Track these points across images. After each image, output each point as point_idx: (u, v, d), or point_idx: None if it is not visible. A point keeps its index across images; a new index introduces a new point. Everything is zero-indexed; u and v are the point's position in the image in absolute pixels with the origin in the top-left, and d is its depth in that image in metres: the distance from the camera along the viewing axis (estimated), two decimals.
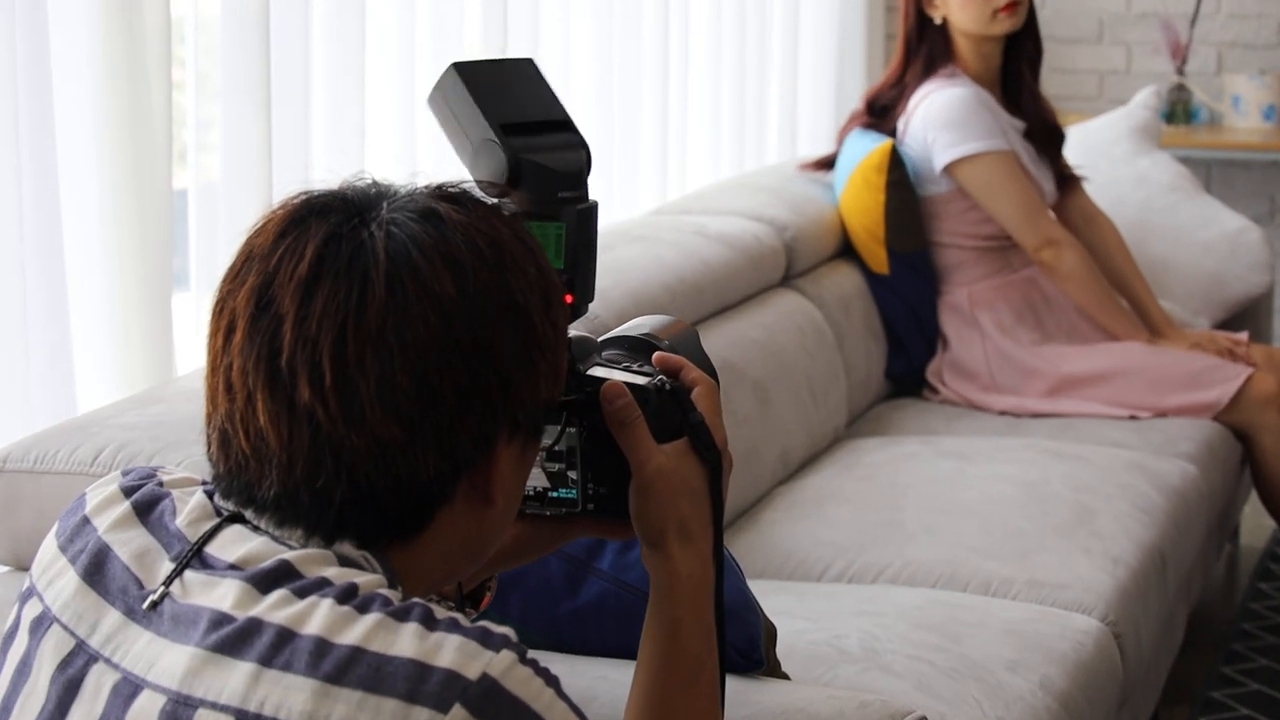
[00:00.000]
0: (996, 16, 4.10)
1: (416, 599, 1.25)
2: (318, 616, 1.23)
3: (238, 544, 1.30)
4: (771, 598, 2.58)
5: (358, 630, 1.22)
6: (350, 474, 1.27)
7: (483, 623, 1.25)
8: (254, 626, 1.24)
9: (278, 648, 1.23)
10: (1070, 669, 2.69)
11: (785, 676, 2.03)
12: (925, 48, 4.18)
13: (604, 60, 4.22)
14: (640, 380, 1.48)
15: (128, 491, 1.39)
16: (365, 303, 1.26)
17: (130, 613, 1.31)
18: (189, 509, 1.34)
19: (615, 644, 1.93)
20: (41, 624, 1.34)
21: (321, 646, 1.22)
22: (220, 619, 1.25)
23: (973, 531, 3.17)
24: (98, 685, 1.29)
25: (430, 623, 1.23)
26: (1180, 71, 5.97)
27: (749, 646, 1.94)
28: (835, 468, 3.57)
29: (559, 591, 1.92)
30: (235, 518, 1.32)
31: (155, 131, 2.66)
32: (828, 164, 4.33)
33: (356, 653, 1.21)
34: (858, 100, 5.46)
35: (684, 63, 4.66)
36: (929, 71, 4.17)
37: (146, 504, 1.37)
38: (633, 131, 4.38)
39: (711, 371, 1.55)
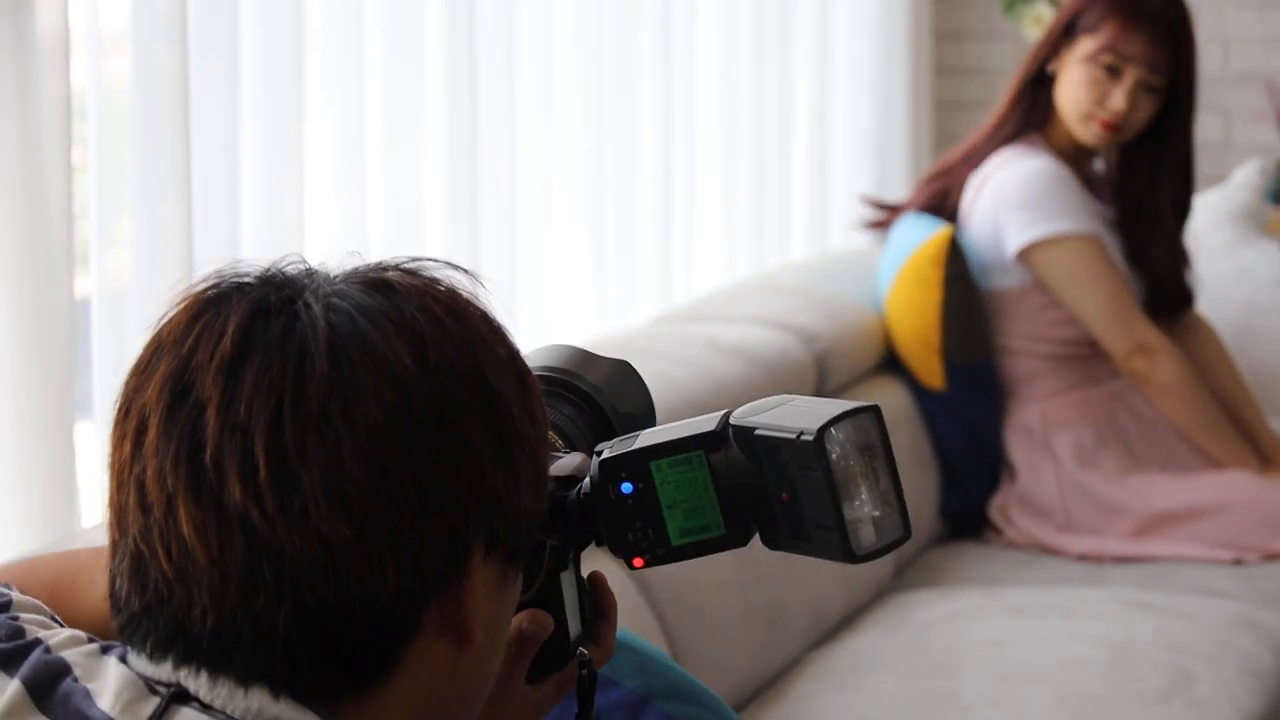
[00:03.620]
0: (1090, 121, 4.10)
1: None
2: None
3: None
4: None
5: None
6: (295, 590, 1.24)
7: None
8: None
9: None
10: None
11: None
12: (1026, 105, 4.19)
13: (596, 135, 4.23)
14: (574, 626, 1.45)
15: (4, 661, 1.34)
16: (304, 379, 1.25)
17: None
18: (114, 687, 1.30)
19: None
20: None
21: None
22: None
23: (1045, 703, 3.17)
24: None
25: None
26: None
27: None
28: (878, 629, 3.57)
29: None
30: (180, 695, 1.27)
31: (52, 225, 2.66)
32: (887, 219, 4.35)
33: None
34: (903, 181, 5.51)
35: (691, 137, 4.67)
36: (1012, 137, 4.18)
37: (44, 683, 1.32)
38: (630, 221, 4.39)
39: (650, 410, 1.52)
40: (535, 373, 1.41)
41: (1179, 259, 4.28)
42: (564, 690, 1.45)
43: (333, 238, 3.39)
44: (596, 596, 1.46)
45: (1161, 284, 4.26)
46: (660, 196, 4.48)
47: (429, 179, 3.61)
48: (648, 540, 1.41)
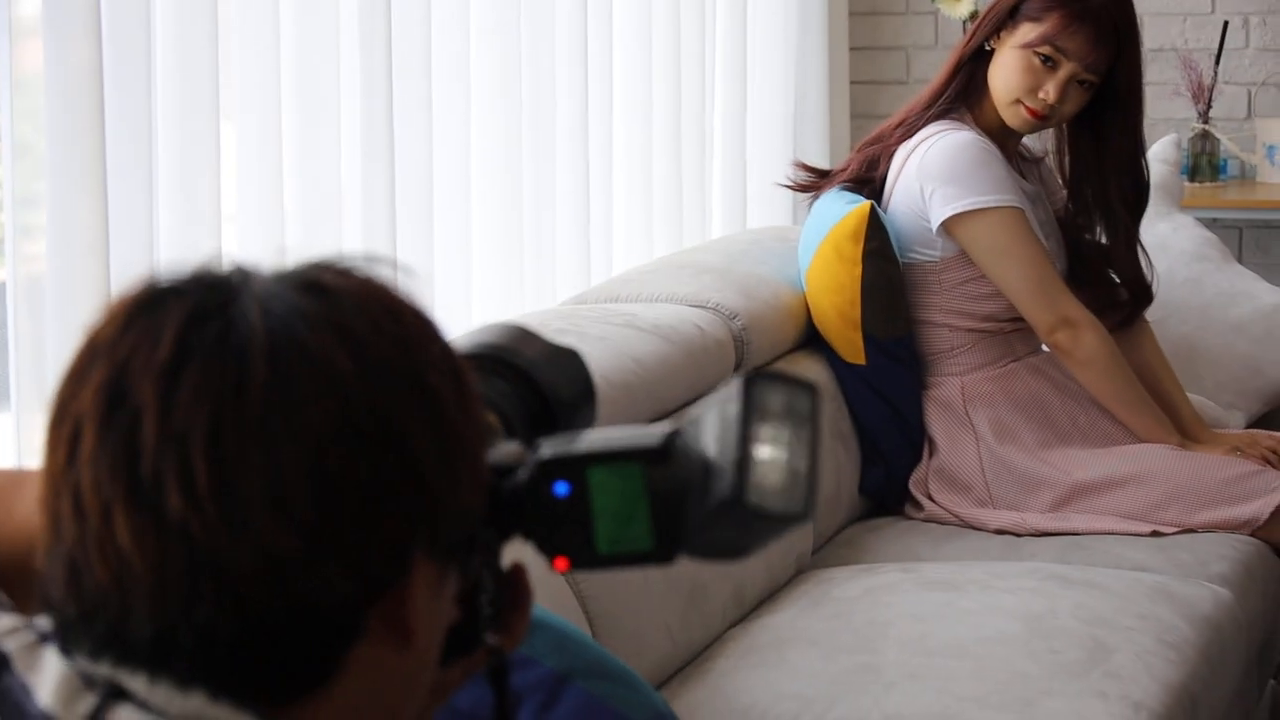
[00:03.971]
0: (1018, 106, 4.12)
1: None
2: None
3: None
4: None
5: None
6: (237, 601, 1.23)
7: None
8: None
9: None
10: None
11: None
12: (962, 80, 4.20)
13: (511, 114, 4.24)
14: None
15: None
16: (244, 386, 1.22)
17: None
18: (53, 681, 1.28)
19: None
20: None
21: None
22: None
23: (965, 677, 3.19)
24: None
25: None
26: (1204, 118, 6.03)
27: None
28: (799, 604, 3.59)
29: None
30: (117, 692, 1.26)
31: None
32: (816, 183, 4.37)
33: None
34: (821, 158, 5.52)
35: (607, 117, 4.68)
36: (944, 111, 4.19)
37: None
38: (547, 200, 4.39)
39: (590, 394, 1.53)
40: (473, 350, 1.41)
41: (1134, 253, 4.30)
42: (468, 675, 1.44)
43: (249, 227, 3.39)
44: (514, 587, 1.45)
45: (1123, 278, 4.29)
46: (578, 178, 4.48)
47: (346, 165, 3.61)
48: (574, 544, 1.39)
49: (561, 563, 1.40)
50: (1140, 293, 4.33)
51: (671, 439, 1.36)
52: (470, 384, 1.33)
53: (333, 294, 1.28)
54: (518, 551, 1.43)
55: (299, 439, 1.23)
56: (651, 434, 1.38)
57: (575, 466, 1.38)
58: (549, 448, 1.39)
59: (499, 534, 1.39)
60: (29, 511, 1.53)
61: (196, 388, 1.23)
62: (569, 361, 1.53)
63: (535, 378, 1.49)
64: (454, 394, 1.30)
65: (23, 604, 1.47)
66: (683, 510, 1.37)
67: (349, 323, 1.27)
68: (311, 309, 1.26)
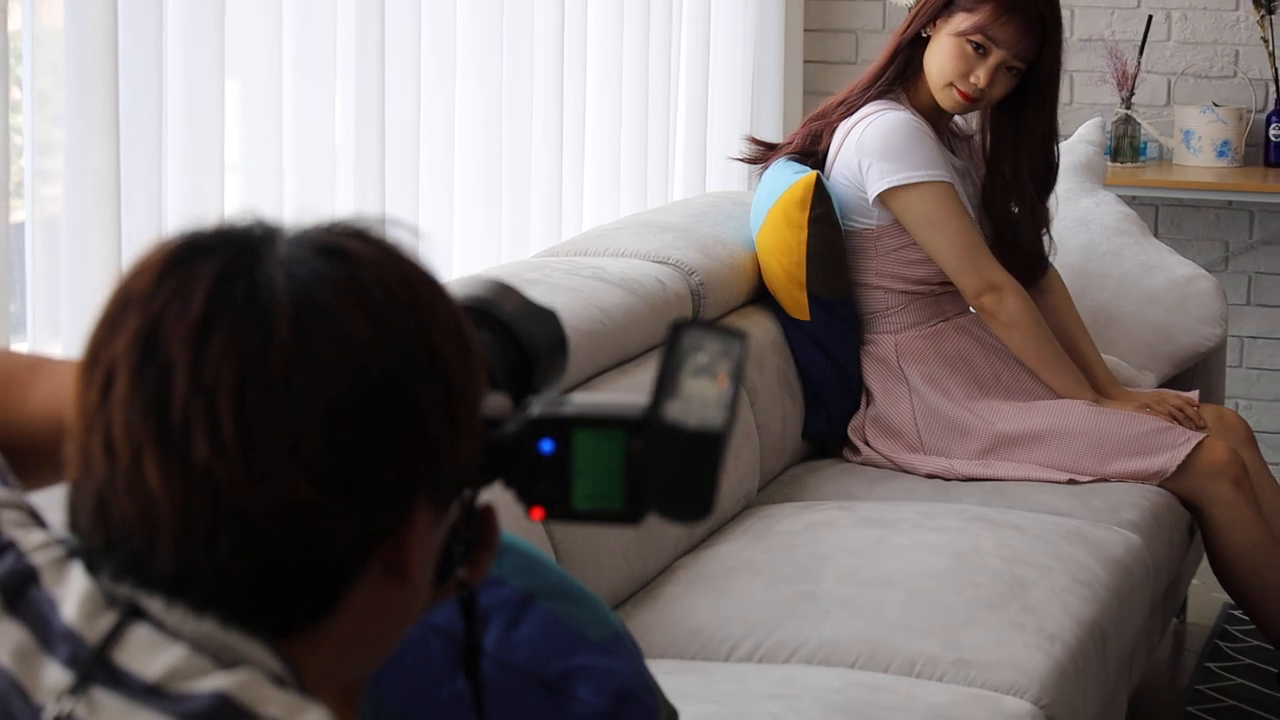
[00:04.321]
0: (951, 89, 4.12)
1: None
2: None
3: (151, 653, 1.25)
4: (674, 679, 2.58)
5: None
6: (254, 541, 1.24)
7: None
8: None
9: None
10: None
11: None
12: (899, 63, 4.20)
13: (492, 82, 4.23)
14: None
15: None
16: (269, 346, 1.23)
17: None
18: (78, 597, 1.28)
19: None
20: None
21: None
22: None
23: (895, 606, 3.20)
24: None
25: None
26: (1127, 103, 6.04)
27: None
28: (745, 537, 3.59)
29: (438, 674, 1.92)
30: (135, 611, 1.26)
31: None
32: (764, 155, 4.36)
33: None
34: (774, 129, 5.52)
35: (581, 87, 4.67)
36: (883, 91, 4.19)
37: (15, 587, 1.30)
38: (524, 161, 4.38)
39: (563, 347, 1.52)
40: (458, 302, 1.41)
41: (1038, 226, 4.31)
42: (438, 600, 1.44)
43: (250, 176, 3.38)
44: (484, 527, 1.45)
45: (1021, 248, 4.30)
46: (552, 141, 4.48)
47: (340, 121, 3.60)
48: (552, 496, 1.39)
49: (538, 512, 1.40)
50: (1036, 261, 4.34)
51: (653, 412, 1.37)
52: (472, 346, 1.34)
53: (352, 259, 1.28)
54: (489, 493, 1.43)
55: (318, 397, 1.24)
56: (635, 406, 1.38)
57: (562, 427, 1.38)
58: (538, 406, 1.40)
59: (481, 479, 1.39)
60: (44, 396, 1.56)
61: (225, 346, 1.23)
62: (546, 318, 1.52)
63: (515, 330, 1.49)
64: (459, 357, 1.31)
65: (38, 480, 1.49)
66: (654, 478, 1.37)
67: (367, 290, 1.27)
68: (332, 275, 1.27)
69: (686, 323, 1.42)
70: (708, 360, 1.40)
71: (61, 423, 1.48)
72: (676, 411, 1.36)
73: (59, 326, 2.93)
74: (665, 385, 1.37)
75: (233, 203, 3.26)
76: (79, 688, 1.25)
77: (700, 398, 1.37)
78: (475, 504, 1.41)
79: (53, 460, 1.52)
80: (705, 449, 1.35)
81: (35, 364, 1.60)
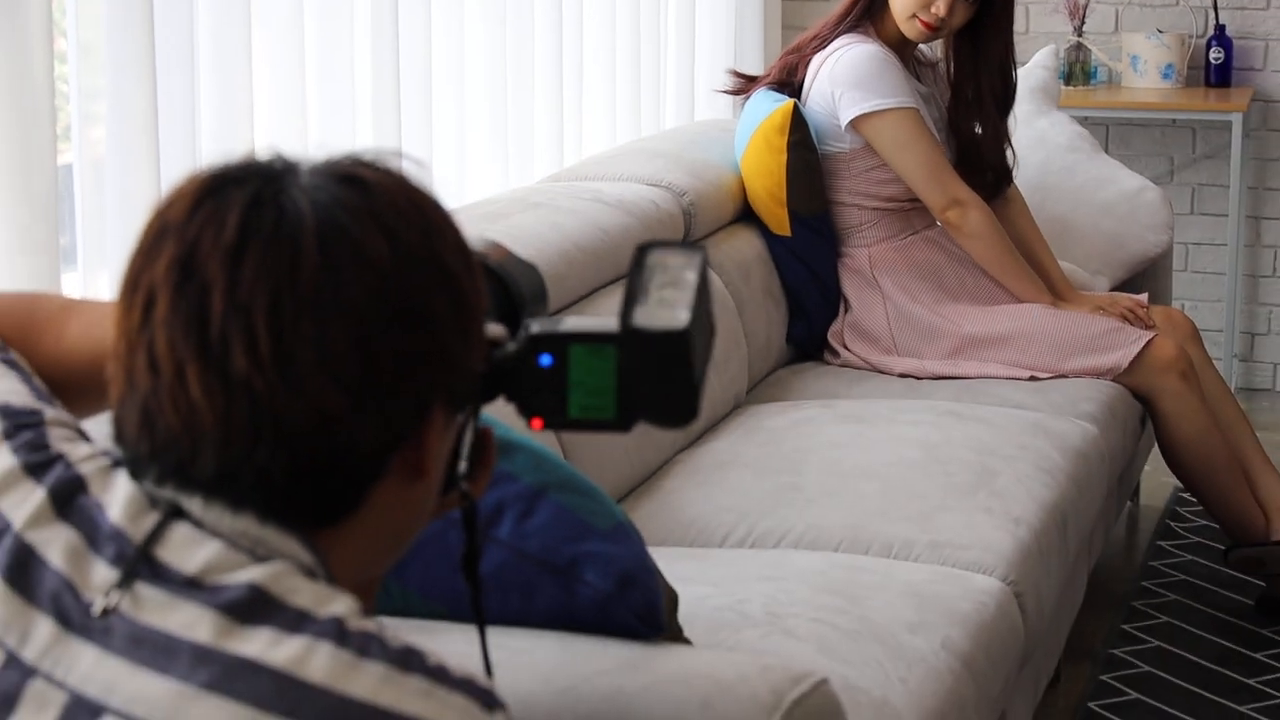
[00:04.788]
0: (914, 20, 4.11)
1: (411, 644, 1.23)
2: (319, 663, 1.21)
3: (190, 549, 1.26)
4: (673, 564, 2.59)
5: (365, 683, 1.20)
6: (290, 446, 1.25)
7: (469, 674, 1.24)
8: (248, 667, 1.21)
9: (282, 694, 1.20)
10: (972, 629, 2.73)
11: (687, 642, 2.05)
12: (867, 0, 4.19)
13: (498, 26, 4.22)
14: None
15: (32, 470, 1.33)
16: (298, 266, 1.24)
17: (66, 623, 1.25)
18: (123, 501, 1.29)
19: (514, 614, 1.94)
20: None
21: (330, 698, 1.20)
22: (204, 653, 1.21)
23: (873, 494, 3.21)
24: (40, 703, 1.24)
25: (430, 674, 1.22)
26: (1078, 31, 6.02)
27: (650, 613, 1.96)
28: (735, 434, 3.60)
29: (458, 562, 1.93)
30: (176, 511, 1.27)
31: (39, 105, 2.65)
32: (745, 87, 4.36)
33: (367, 711, 1.20)
34: (756, 61, 5.51)
35: (579, 27, 4.66)
36: (852, 26, 4.18)
37: (64, 494, 1.31)
38: (528, 96, 4.38)
39: (543, 294, 1.52)
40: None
41: (1000, 142, 4.31)
42: (441, 512, 1.45)
43: (277, 118, 3.38)
44: (483, 447, 1.46)
45: (986, 163, 4.30)
46: (552, 77, 4.48)
47: (358, 64, 3.60)
48: (550, 407, 1.39)
49: (537, 422, 1.41)
50: (1002, 174, 4.34)
51: (624, 321, 1.38)
52: (476, 265, 1.34)
53: (368, 186, 1.29)
54: (493, 408, 1.44)
55: (345, 312, 1.24)
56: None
57: (559, 342, 1.39)
58: (537, 325, 1.40)
59: (484, 396, 1.40)
60: (77, 334, 1.56)
61: (258, 267, 1.24)
62: (530, 270, 1.53)
63: (504, 277, 1.49)
64: (466, 274, 1.32)
65: (75, 411, 1.49)
66: (638, 384, 1.38)
67: (383, 212, 1.28)
68: (351, 200, 1.27)
69: (649, 243, 1.44)
70: (671, 272, 1.41)
71: (94, 357, 1.50)
72: (643, 317, 1.37)
73: (106, 257, 2.93)
74: (633, 297, 1.39)
75: (260, 141, 3.26)
76: (124, 582, 1.26)
77: (665, 302, 1.38)
78: (478, 421, 1.42)
79: (86, 393, 1.54)
80: (674, 347, 1.36)
81: (68, 305, 1.60)
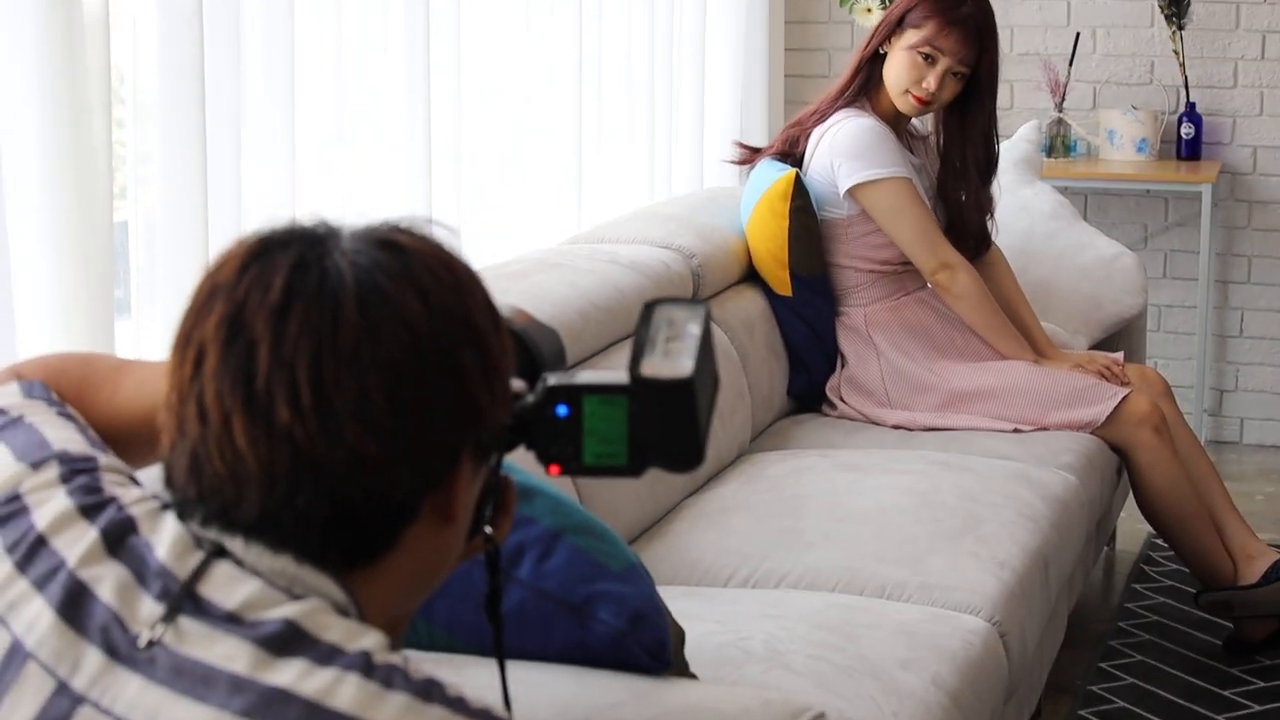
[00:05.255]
0: (907, 95, 4.12)
1: (433, 676, 1.23)
2: (346, 693, 1.20)
3: (232, 587, 1.26)
4: (680, 602, 2.59)
5: (388, 712, 1.20)
6: (329, 491, 1.25)
7: (487, 705, 1.24)
8: (280, 697, 1.20)
9: None
10: (960, 666, 2.71)
11: (693, 677, 2.04)
12: (862, 77, 4.20)
13: (522, 101, 4.23)
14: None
15: (86, 511, 1.33)
16: (339, 325, 1.24)
17: (113, 653, 1.25)
18: (169, 541, 1.29)
19: (533, 649, 1.93)
20: (15, 658, 1.27)
21: None
22: (240, 683, 1.21)
23: (868, 538, 3.19)
24: None
25: (450, 704, 1.22)
26: (1059, 107, 6.02)
27: (659, 649, 1.95)
28: (739, 480, 3.59)
29: (481, 601, 1.92)
30: (219, 551, 1.27)
31: (98, 167, 2.65)
32: (750, 158, 4.36)
33: None
34: (761, 133, 5.52)
35: (598, 100, 4.67)
36: (849, 101, 4.20)
37: (116, 534, 1.31)
38: (550, 164, 4.39)
39: (561, 355, 1.51)
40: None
41: (982, 210, 4.30)
42: (469, 556, 1.45)
43: (318, 183, 3.38)
44: (504, 494, 1.46)
45: (968, 228, 4.29)
46: (572, 145, 4.49)
47: (394, 137, 3.60)
48: (566, 455, 1.38)
49: (554, 469, 1.40)
50: (981, 239, 4.33)
51: (633, 371, 1.37)
52: (502, 324, 1.35)
53: (405, 251, 1.29)
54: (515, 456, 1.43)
55: (381, 368, 1.25)
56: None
57: (574, 394, 1.39)
58: (555, 378, 1.40)
59: (507, 445, 1.40)
60: (130, 392, 1.56)
61: (301, 325, 1.24)
62: (551, 334, 1.53)
63: (526, 340, 1.49)
64: (494, 332, 1.32)
65: (127, 461, 1.48)
66: (648, 432, 1.37)
67: (418, 276, 1.28)
68: (389, 263, 1.28)
69: (657, 300, 1.44)
70: (676, 326, 1.41)
71: (145, 413, 1.50)
72: (650, 368, 1.37)
73: (157, 310, 2.93)
74: (641, 349, 1.39)
75: (302, 207, 3.26)
76: (168, 616, 1.25)
77: (671, 354, 1.38)
78: (501, 469, 1.42)
79: (139, 446, 1.54)
80: (679, 395, 1.36)
81: (121, 365, 1.61)
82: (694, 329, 1.41)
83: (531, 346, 1.48)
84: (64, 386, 1.55)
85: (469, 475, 1.32)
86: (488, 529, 1.42)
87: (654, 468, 1.39)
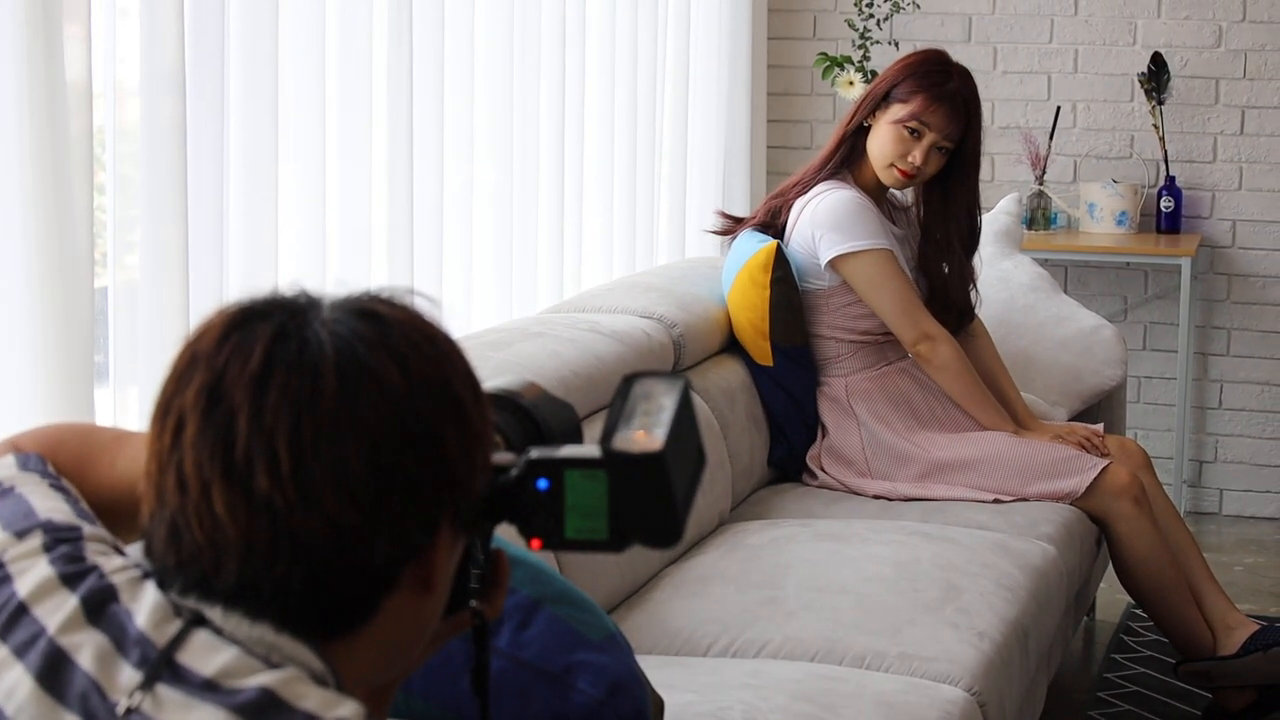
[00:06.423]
0: (892, 169, 4.13)
1: None
2: None
3: (209, 654, 1.25)
4: (659, 672, 2.57)
5: None
6: (308, 560, 1.24)
7: None
8: None
9: None
10: None
11: None
12: (845, 149, 4.21)
13: (505, 170, 4.24)
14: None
15: (68, 580, 1.33)
16: (318, 394, 1.23)
17: None
18: (149, 609, 1.28)
19: (510, 718, 1.92)
20: None
21: None
22: None
23: (848, 608, 3.18)
24: None
25: None
26: (1040, 180, 6.04)
27: (637, 718, 1.94)
28: (720, 549, 3.57)
29: (458, 669, 1.92)
30: (198, 619, 1.27)
31: (79, 233, 2.65)
32: (732, 228, 4.37)
33: None
34: (743, 203, 5.54)
35: (579, 170, 4.68)
36: (832, 172, 4.20)
37: (97, 602, 1.30)
38: (531, 234, 4.39)
39: (577, 430, 1.50)
40: (490, 392, 1.39)
41: (965, 281, 4.31)
42: (456, 631, 1.43)
43: (299, 252, 3.38)
44: (495, 566, 1.45)
45: (953, 301, 4.30)
46: (554, 214, 4.49)
47: (375, 206, 3.60)
48: (547, 529, 1.38)
49: (536, 543, 1.38)
50: (965, 311, 4.34)
51: (605, 444, 1.36)
52: (482, 393, 1.34)
53: (384, 321, 1.29)
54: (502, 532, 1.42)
55: (360, 437, 1.24)
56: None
57: (555, 468, 1.37)
58: (537, 452, 1.39)
59: (491, 518, 1.39)
60: (126, 464, 1.56)
61: (281, 394, 1.24)
62: (564, 409, 1.52)
63: (534, 415, 1.48)
64: (473, 401, 1.31)
65: (123, 535, 1.49)
66: (625, 506, 1.35)
67: (397, 345, 1.28)
68: (369, 333, 1.27)
69: (635, 374, 1.43)
70: (654, 399, 1.40)
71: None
72: (623, 441, 1.35)
73: (137, 376, 2.92)
74: (615, 423, 1.37)
75: (284, 274, 3.26)
76: (146, 684, 1.25)
77: (646, 428, 1.37)
78: (489, 543, 1.41)
79: (137, 517, 1.52)
80: (651, 468, 1.34)
81: (120, 437, 1.60)
82: (669, 402, 1.40)
83: (540, 420, 1.47)
84: (62, 459, 1.55)
85: (449, 545, 1.31)
86: (474, 603, 1.41)
87: (634, 543, 1.38)
